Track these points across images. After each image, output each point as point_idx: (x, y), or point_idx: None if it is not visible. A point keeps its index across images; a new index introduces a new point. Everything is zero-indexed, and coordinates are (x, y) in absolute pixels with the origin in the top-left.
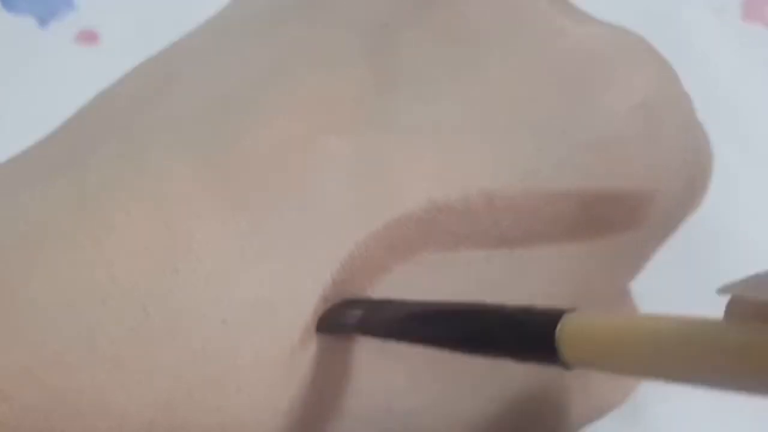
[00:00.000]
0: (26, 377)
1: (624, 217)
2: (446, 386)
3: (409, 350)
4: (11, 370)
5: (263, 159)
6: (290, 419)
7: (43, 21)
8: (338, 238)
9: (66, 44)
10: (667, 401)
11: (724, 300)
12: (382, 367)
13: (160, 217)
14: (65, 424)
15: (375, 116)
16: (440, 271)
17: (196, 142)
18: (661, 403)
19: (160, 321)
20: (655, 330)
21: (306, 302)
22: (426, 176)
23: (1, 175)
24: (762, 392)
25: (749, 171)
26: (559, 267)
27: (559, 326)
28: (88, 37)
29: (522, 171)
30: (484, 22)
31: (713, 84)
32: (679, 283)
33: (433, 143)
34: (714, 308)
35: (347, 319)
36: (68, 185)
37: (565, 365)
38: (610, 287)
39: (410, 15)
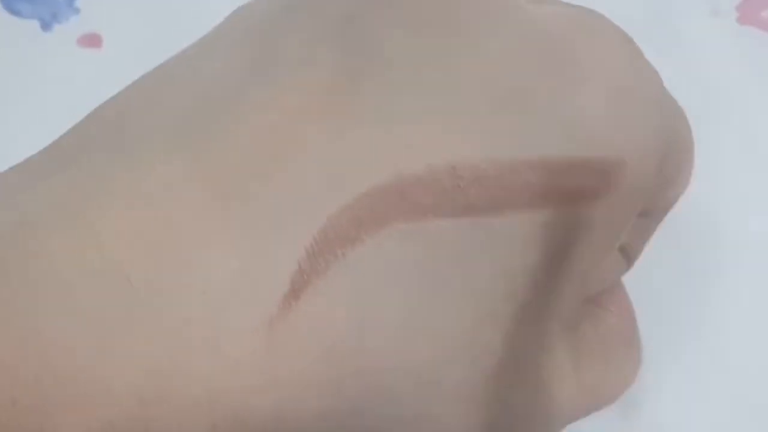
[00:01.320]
0: (23, 350)
1: (592, 184)
2: (426, 348)
3: (390, 307)
4: (9, 343)
5: (243, 151)
6: (276, 390)
7: (46, 24)
8: (311, 214)
9: (69, 48)
10: (664, 398)
11: (718, 296)
12: (364, 329)
13: (146, 203)
14: (56, 392)
15: (347, 105)
16: (410, 240)
17: (182, 142)
18: (657, 399)
19: (145, 293)
20: None
21: (282, 273)
22: (393, 152)
23: (2, 181)
24: None
25: (747, 170)
26: (533, 236)
27: None
28: (91, 40)
29: (488, 144)
30: (449, 12)
31: (709, 86)
32: (676, 280)
33: (400, 123)
34: (708, 305)
35: None
36: (62, 182)
37: None
38: (591, 264)
39: (380, 7)
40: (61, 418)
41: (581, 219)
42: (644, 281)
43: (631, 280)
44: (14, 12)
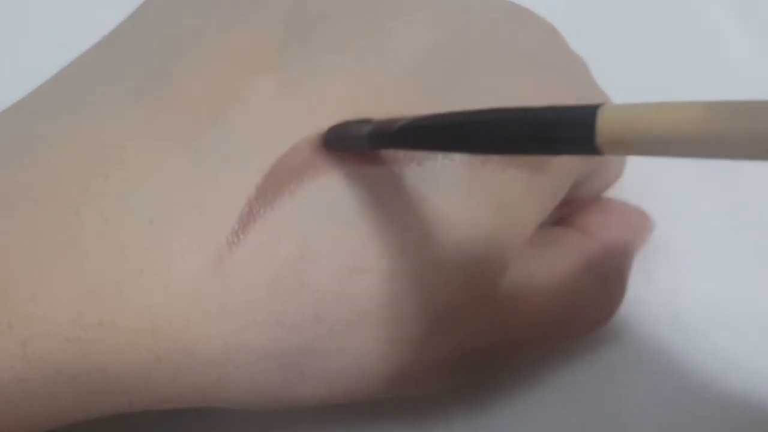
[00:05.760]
0: None
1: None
2: (368, 286)
3: (333, 245)
4: None
5: (195, 93)
6: (222, 322)
7: None
8: (262, 152)
9: None
10: (649, 325)
11: None
12: (309, 269)
13: (93, 137)
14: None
15: (295, 61)
16: (355, 182)
17: (134, 86)
18: (643, 325)
19: (90, 219)
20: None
21: (231, 207)
22: (339, 102)
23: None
24: None
25: None
26: (472, 177)
27: (598, 114)
28: None
29: (430, 102)
30: None
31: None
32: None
33: (343, 80)
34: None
35: (358, 131)
36: (16, 130)
37: (600, 151)
38: (531, 213)
39: None
40: None
41: (523, 177)
42: None
43: None
44: None
